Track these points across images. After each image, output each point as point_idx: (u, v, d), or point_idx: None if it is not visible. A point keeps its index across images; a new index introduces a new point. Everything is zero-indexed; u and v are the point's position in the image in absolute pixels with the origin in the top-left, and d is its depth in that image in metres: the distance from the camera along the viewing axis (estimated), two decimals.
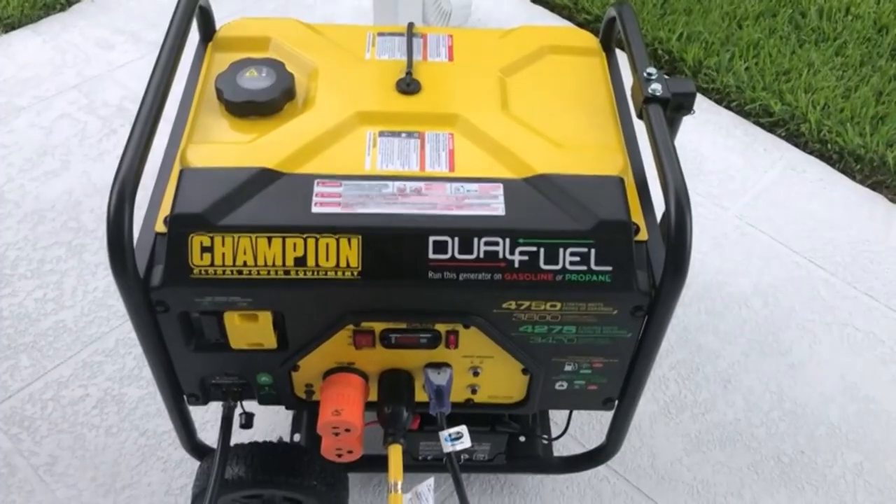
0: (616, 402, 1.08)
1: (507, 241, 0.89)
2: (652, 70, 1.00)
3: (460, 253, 0.90)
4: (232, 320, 0.94)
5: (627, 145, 1.05)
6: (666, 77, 1.00)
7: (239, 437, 1.08)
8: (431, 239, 0.89)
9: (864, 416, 1.49)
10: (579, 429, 1.44)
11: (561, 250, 0.90)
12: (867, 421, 1.49)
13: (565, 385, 1.05)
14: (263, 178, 0.92)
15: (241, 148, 0.96)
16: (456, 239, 0.89)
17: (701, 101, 2.12)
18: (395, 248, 0.90)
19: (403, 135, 1.00)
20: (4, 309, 1.58)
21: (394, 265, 0.90)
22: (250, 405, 1.11)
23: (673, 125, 1.05)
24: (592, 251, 0.90)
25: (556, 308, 0.93)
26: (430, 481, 0.95)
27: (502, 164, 0.96)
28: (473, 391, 1.06)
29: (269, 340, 0.97)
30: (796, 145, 2.04)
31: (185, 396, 1.06)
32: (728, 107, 2.13)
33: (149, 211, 0.96)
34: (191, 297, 0.91)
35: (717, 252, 1.76)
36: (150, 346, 0.96)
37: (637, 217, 0.95)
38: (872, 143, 1.98)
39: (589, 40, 1.18)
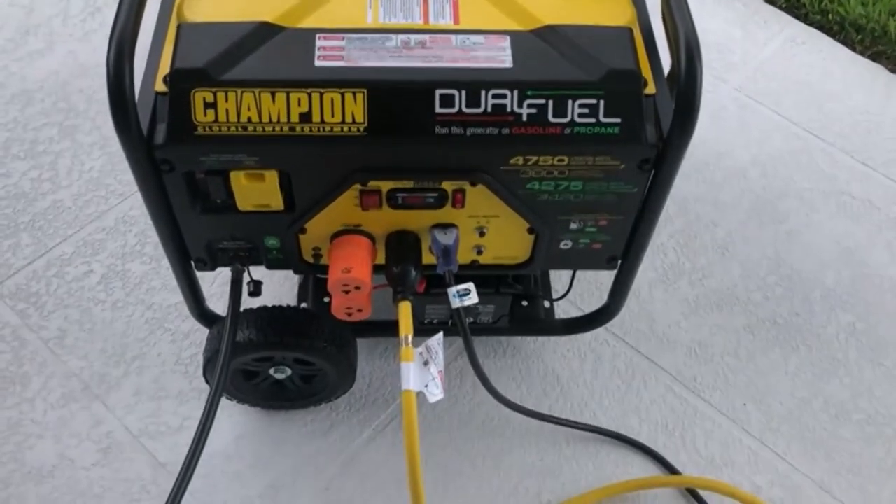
0: (620, 261, 1.10)
1: (516, 93, 0.88)
2: None
3: (467, 107, 0.88)
4: (238, 180, 0.93)
5: None
6: None
7: (247, 305, 1.09)
8: (438, 92, 0.88)
9: (859, 280, 1.52)
10: (580, 296, 1.46)
11: (570, 102, 0.89)
12: (861, 285, 1.51)
13: (570, 244, 1.06)
14: (264, 33, 0.89)
15: (240, 2, 0.93)
16: (463, 92, 0.88)
17: None
18: (401, 102, 0.88)
19: None
20: (0, 189, 1.56)
21: (400, 120, 0.89)
22: (258, 273, 1.12)
23: None
24: (601, 102, 0.89)
25: (564, 163, 0.93)
26: (440, 335, 0.96)
27: (508, 15, 0.94)
28: (479, 252, 1.07)
29: (276, 201, 0.97)
30: (797, 17, 1.99)
31: (192, 262, 1.07)
32: None
33: (147, 72, 0.94)
34: (196, 154, 0.90)
35: (717, 124, 1.75)
36: (157, 209, 0.96)
37: (645, 71, 0.94)
38: (874, 13, 1.94)
39: None
